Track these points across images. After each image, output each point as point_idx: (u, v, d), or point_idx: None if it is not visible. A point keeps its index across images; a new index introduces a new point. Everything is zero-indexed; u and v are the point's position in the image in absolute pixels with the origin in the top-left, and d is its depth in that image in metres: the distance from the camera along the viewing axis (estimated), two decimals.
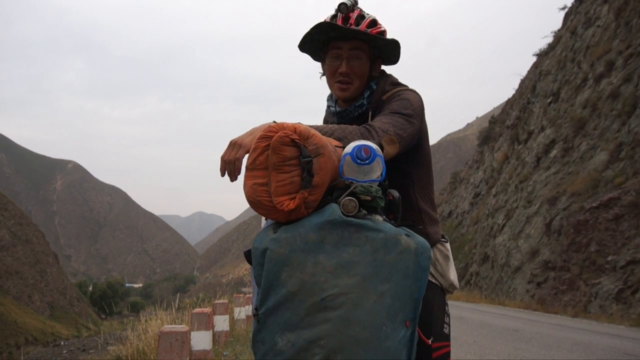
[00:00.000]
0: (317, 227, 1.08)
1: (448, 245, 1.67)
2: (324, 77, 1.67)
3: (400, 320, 1.09)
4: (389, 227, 1.11)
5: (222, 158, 1.26)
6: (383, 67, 1.69)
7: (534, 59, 30.02)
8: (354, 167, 1.14)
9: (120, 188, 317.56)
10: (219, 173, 1.27)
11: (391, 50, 1.60)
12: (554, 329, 8.59)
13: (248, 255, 1.19)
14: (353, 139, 1.28)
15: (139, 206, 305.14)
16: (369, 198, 1.12)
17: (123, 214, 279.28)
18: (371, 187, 1.13)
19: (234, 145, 1.25)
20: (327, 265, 1.06)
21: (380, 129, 1.37)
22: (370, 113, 1.60)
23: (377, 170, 1.15)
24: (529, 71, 31.40)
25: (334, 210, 1.09)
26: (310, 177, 1.09)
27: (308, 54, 1.68)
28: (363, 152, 1.13)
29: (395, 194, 1.21)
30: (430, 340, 1.33)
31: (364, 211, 1.12)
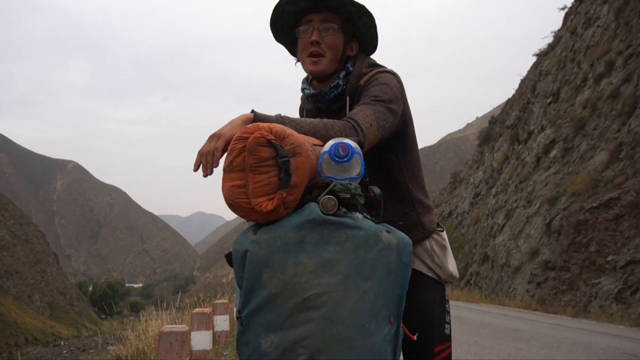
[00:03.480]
0: (296, 227, 1.07)
1: (444, 234, 1.61)
2: (299, 64, 1.62)
3: (384, 317, 1.09)
4: (369, 224, 1.11)
5: (200, 152, 1.20)
6: (380, 51, 1.65)
7: (534, 59, 30.03)
8: (332, 165, 1.14)
9: (120, 188, 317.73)
10: (192, 168, 1.21)
11: (366, 28, 1.55)
12: (554, 329, 8.59)
13: (229, 258, 1.17)
14: (337, 136, 1.25)
15: (139, 206, 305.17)
16: (348, 196, 1.11)
17: (123, 214, 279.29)
18: (350, 184, 1.12)
19: (213, 137, 1.21)
20: (308, 265, 1.05)
21: (364, 123, 1.33)
22: (347, 98, 1.55)
23: (356, 168, 1.15)
24: (529, 71, 31.40)
25: (313, 209, 1.08)
26: (288, 177, 1.08)
27: (283, 43, 1.65)
28: (341, 149, 1.13)
29: (377, 190, 1.20)
30: (415, 336, 1.32)
31: (344, 209, 1.11)
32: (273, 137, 1.09)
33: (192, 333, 5.06)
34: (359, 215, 1.13)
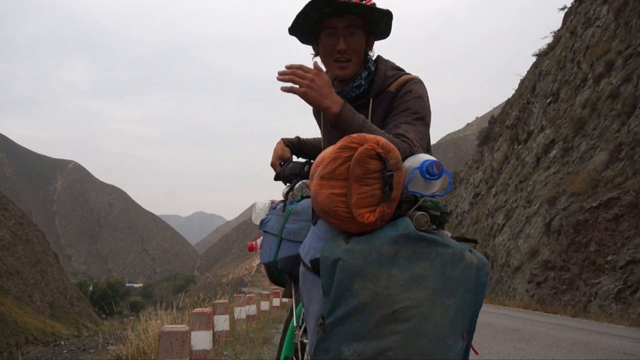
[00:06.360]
0: (391, 241, 1.09)
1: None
2: (316, 58, 1.65)
3: (460, 332, 1.13)
4: (455, 242, 1.14)
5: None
6: (378, 51, 1.69)
7: (534, 59, 30.02)
8: (420, 182, 1.16)
9: (120, 188, 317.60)
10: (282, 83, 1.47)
11: (384, 23, 1.60)
12: (554, 329, 8.59)
13: (316, 265, 1.17)
14: None
15: (139, 206, 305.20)
16: (438, 213, 1.15)
17: (123, 214, 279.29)
18: (439, 202, 1.16)
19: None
20: (400, 279, 1.07)
21: (416, 144, 1.42)
22: (371, 100, 1.59)
23: (439, 185, 1.18)
24: (528, 71, 31.37)
25: (408, 224, 1.10)
26: (391, 191, 1.10)
27: (297, 36, 1.64)
28: (435, 168, 1.15)
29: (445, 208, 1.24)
30: (479, 352, 1.38)
31: (433, 226, 1.15)
32: (382, 151, 1.10)
33: (192, 333, 5.06)
34: (447, 233, 1.16)
